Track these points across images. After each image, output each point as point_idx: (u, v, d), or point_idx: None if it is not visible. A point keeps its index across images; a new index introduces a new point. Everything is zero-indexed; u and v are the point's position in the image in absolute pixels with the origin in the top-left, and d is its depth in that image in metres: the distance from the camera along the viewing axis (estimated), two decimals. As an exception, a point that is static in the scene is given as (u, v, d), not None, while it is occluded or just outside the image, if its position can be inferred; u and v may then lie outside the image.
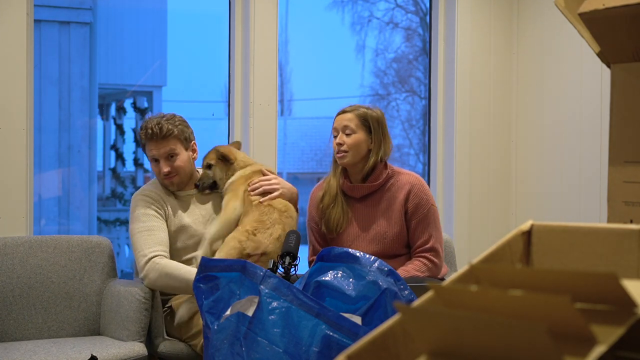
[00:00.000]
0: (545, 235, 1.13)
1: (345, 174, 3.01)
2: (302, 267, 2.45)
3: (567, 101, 3.94)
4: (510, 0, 4.30)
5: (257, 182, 2.97)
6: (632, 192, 1.59)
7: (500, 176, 4.28)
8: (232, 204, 2.94)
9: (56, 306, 3.01)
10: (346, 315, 1.94)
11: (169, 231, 2.94)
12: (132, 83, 6.60)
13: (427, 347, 0.85)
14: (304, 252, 2.60)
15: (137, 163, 6.42)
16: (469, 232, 4.19)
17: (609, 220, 1.63)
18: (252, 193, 2.94)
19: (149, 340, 2.87)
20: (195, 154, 3.06)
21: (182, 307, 2.88)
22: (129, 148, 6.45)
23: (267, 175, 3.03)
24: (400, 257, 2.95)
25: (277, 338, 1.85)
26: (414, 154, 6.30)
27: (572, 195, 3.90)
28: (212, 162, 3.04)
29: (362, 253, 2.12)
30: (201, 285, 2.04)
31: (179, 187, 3.01)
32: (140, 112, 6.52)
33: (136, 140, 6.36)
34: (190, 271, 2.72)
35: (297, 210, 3.02)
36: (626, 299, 0.84)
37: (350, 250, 2.14)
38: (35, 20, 3.44)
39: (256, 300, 1.92)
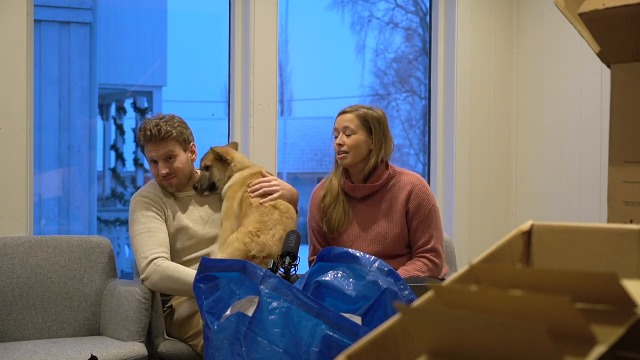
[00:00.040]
0: (545, 235, 1.13)
1: (347, 174, 3.01)
2: (302, 267, 2.45)
3: (567, 101, 3.94)
4: (510, 0, 4.30)
5: (257, 183, 2.97)
6: (632, 192, 1.59)
7: (500, 176, 4.28)
8: (227, 224, 2.94)
9: (56, 306, 3.01)
10: (346, 315, 1.94)
11: (168, 232, 2.94)
12: (132, 83, 6.60)
13: (427, 347, 0.85)
14: (304, 252, 2.60)
15: (137, 163, 6.42)
16: (469, 232, 4.19)
17: (609, 220, 1.63)
18: (252, 195, 2.94)
19: (149, 340, 2.87)
20: (194, 155, 3.06)
21: (184, 304, 2.88)
22: (129, 148, 6.45)
23: (266, 176, 3.03)
24: (401, 257, 2.95)
25: (277, 338, 1.85)
26: (414, 154, 6.30)
27: (572, 195, 3.90)
28: (210, 163, 3.04)
29: (362, 253, 2.12)
30: (201, 285, 2.04)
31: (177, 188, 3.01)
32: (140, 112, 6.52)
33: (136, 141, 6.35)
34: (192, 274, 2.72)
35: (296, 211, 3.02)
36: (626, 299, 0.84)
37: (350, 250, 2.14)
38: (35, 20, 3.44)
39: (256, 300, 1.92)
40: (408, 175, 2.99)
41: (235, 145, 3.22)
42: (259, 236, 2.82)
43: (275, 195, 2.94)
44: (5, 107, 3.28)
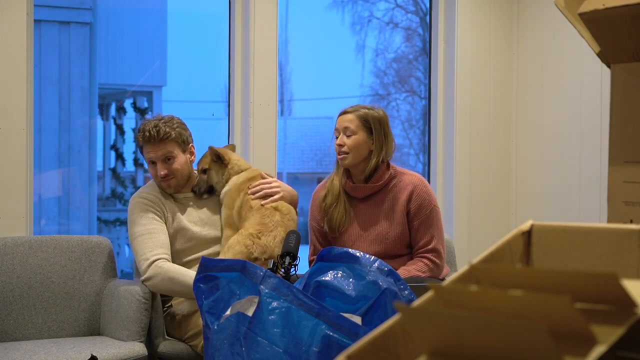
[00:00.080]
0: (545, 235, 1.13)
1: (348, 174, 3.01)
2: (302, 267, 2.45)
3: (567, 101, 3.94)
4: (510, 0, 4.30)
5: (258, 185, 2.97)
6: (632, 192, 1.59)
7: (500, 176, 4.28)
8: (229, 232, 2.94)
9: (56, 306, 3.01)
10: (346, 315, 1.94)
11: (167, 233, 2.94)
12: (132, 83, 6.60)
13: (427, 347, 0.85)
14: (304, 252, 2.60)
15: (137, 163, 6.42)
16: (469, 232, 4.19)
17: (609, 220, 1.63)
18: (253, 197, 2.94)
19: (149, 340, 2.87)
20: (193, 157, 3.05)
21: (185, 302, 2.88)
22: (129, 148, 6.45)
23: (266, 178, 3.03)
24: (402, 258, 2.95)
25: (277, 338, 1.85)
26: (414, 154, 6.29)
27: (572, 195, 3.90)
28: (207, 166, 3.03)
29: (362, 253, 2.12)
30: (201, 285, 2.04)
31: (176, 189, 3.01)
32: (140, 112, 6.52)
33: (135, 141, 6.34)
34: (193, 275, 2.72)
35: (296, 212, 3.02)
36: (626, 299, 0.84)
37: (350, 250, 2.14)
38: (35, 20, 3.44)
39: (256, 300, 1.92)
40: (409, 176, 2.99)
41: (232, 147, 3.21)
42: (260, 238, 2.82)
43: (276, 196, 2.94)
44: (5, 107, 3.28)
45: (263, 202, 2.92)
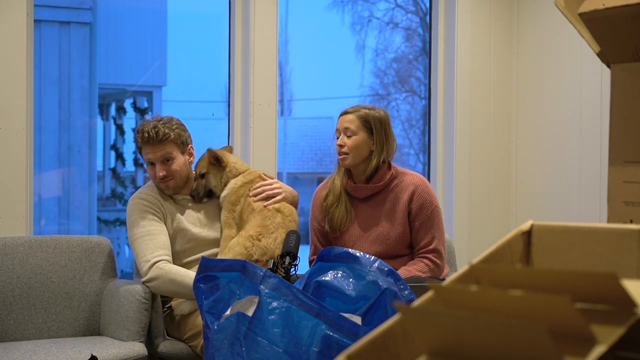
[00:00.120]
0: (545, 235, 1.13)
1: (349, 174, 3.01)
2: (303, 267, 2.45)
3: (567, 101, 3.94)
4: (510, 0, 4.30)
5: (259, 187, 2.96)
6: (632, 192, 1.59)
7: (500, 176, 4.28)
8: (228, 233, 2.93)
9: (56, 306, 3.01)
10: (346, 315, 1.94)
11: (167, 234, 2.93)
12: (132, 83, 6.60)
13: (427, 347, 0.85)
14: (304, 252, 2.60)
15: (137, 163, 6.42)
16: (469, 232, 4.19)
17: (609, 220, 1.63)
18: (255, 199, 2.93)
19: (149, 340, 2.87)
20: (191, 158, 3.04)
21: (186, 302, 2.88)
22: (129, 148, 6.45)
23: (266, 179, 3.02)
24: (403, 258, 2.95)
25: (277, 338, 1.85)
26: (414, 154, 6.29)
27: (572, 195, 3.90)
28: (204, 170, 3.01)
29: (362, 253, 2.12)
30: (201, 285, 2.04)
31: (174, 190, 3.00)
32: (140, 112, 6.52)
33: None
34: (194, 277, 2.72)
35: (297, 212, 3.02)
36: (626, 299, 0.84)
37: (350, 250, 2.14)
38: (35, 20, 3.44)
39: (256, 300, 1.92)
40: (411, 176, 2.99)
41: (230, 149, 3.19)
42: (260, 240, 2.82)
43: (278, 197, 2.94)
44: (5, 107, 3.28)
45: (265, 203, 2.91)
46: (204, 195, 3.02)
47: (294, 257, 2.38)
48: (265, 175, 3.06)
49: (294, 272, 2.38)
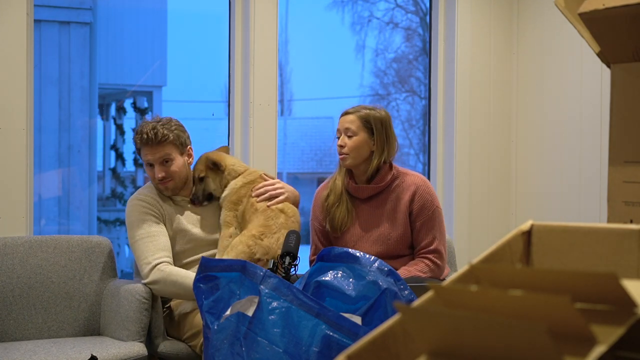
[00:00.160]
0: (545, 235, 1.13)
1: (351, 174, 3.01)
2: (303, 267, 2.45)
3: (567, 101, 3.94)
4: (510, 0, 4.30)
5: (262, 187, 2.96)
6: (632, 192, 1.59)
7: (500, 176, 4.28)
8: (226, 232, 2.93)
9: (56, 306, 3.01)
10: (346, 315, 1.94)
11: (167, 235, 2.93)
12: (132, 83, 6.60)
13: (427, 347, 0.85)
14: (304, 252, 2.60)
15: (137, 163, 6.42)
16: (469, 232, 4.19)
17: (609, 220, 1.63)
18: (257, 199, 2.93)
19: (149, 340, 2.87)
20: (190, 159, 3.03)
21: (187, 302, 2.88)
22: (129, 148, 6.44)
23: (267, 179, 3.02)
24: (404, 258, 2.95)
25: (277, 338, 1.85)
26: (414, 154, 6.29)
27: (572, 195, 3.90)
28: (203, 174, 3.00)
29: (362, 253, 2.12)
30: (201, 285, 2.04)
31: (173, 192, 3.00)
32: (140, 112, 6.52)
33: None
34: None
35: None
36: (626, 299, 0.84)
37: (350, 250, 2.14)
38: (35, 20, 3.44)
39: (256, 300, 1.92)
40: (412, 176, 2.99)
41: (226, 149, 3.17)
42: (262, 240, 2.82)
43: (280, 197, 2.94)
44: (5, 107, 3.28)
45: (268, 203, 2.91)
46: (204, 199, 3.02)
47: (294, 257, 2.38)
48: (266, 175, 3.06)
49: (294, 272, 2.38)
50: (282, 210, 2.91)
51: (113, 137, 6.45)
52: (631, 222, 1.58)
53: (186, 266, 2.93)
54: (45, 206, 5.72)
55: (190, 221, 2.98)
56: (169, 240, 2.91)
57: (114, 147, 6.43)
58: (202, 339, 2.42)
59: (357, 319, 1.99)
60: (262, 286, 1.92)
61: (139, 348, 2.76)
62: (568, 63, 3.93)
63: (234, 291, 2.00)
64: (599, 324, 0.81)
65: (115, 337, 2.89)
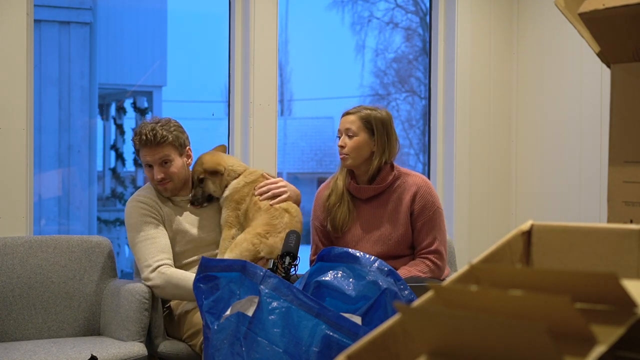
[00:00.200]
0: (545, 235, 1.13)
1: (352, 174, 3.00)
2: (303, 267, 2.45)
3: (567, 101, 3.95)
4: (510, 0, 4.30)
5: (264, 185, 2.96)
6: (632, 192, 1.59)
7: (500, 176, 4.28)
8: (228, 233, 2.93)
9: (56, 306, 3.01)
10: (346, 315, 1.94)
11: (167, 236, 2.93)
12: (132, 83, 6.60)
13: (427, 347, 0.85)
14: (304, 252, 2.60)
15: (137, 163, 6.42)
16: (469, 232, 4.19)
17: (609, 220, 1.63)
18: (260, 197, 2.93)
19: (149, 340, 2.87)
20: (189, 160, 3.03)
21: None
22: (129, 148, 6.44)
23: (269, 178, 3.02)
24: (404, 258, 2.95)
25: (277, 338, 1.85)
26: (414, 154, 6.29)
27: (572, 195, 3.90)
28: (202, 176, 2.99)
29: (362, 253, 2.12)
30: (201, 285, 2.04)
31: (172, 192, 2.99)
32: (140, 112, 6.52)
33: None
34: None
35: None
36: (626, 299, 0.84)
37: (350, 250, 2.14)
38: (35, 20, 3.44)
39: (256, 300, 1.92)
40: (413, 177, 2.98)
41: (223, 148, 3.16)
42: (267, 238, 2.81)
43: (283, 196, 2.93)
44: (5, 107, 3.28)
45: (271, 202, 2.91)
46: (204, 200, 3.01)
47: (294, 257, 2.37)
48: (266, 174, 3.06)
49: (294, 272, 2.38)
50: (286, 210, 2.91)
51: (113, 137, 6.45)
52: (631, 222, 1.58)
53: (186, 267, 2.93)
54: (45, 206, 5.72)
55: (189, 222, 2.98)
56: (169, 242, 2.90)
57: (114, 147, 6.43)
58: (202, 338, 2.42)
59: (357, 319, 1.99)
60: (262, 286, 1.92)
61: (139, 348, 2.76)
62: (568, 63, 3.93)
63: (234, 291, 2.00)
64: (599, 324, 0.81)
65: (115, 337, 2.89)
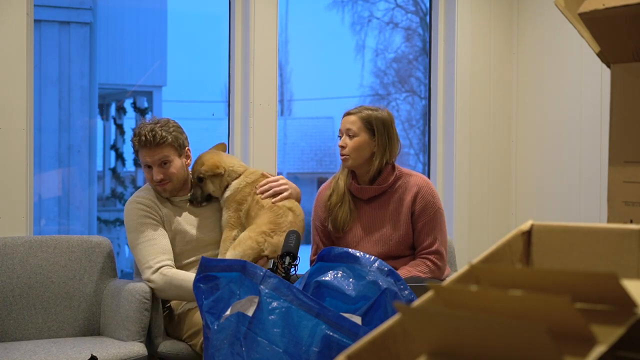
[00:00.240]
0: (545, 235, 1.13)
1: (353, 175, 3.00)
2: (303, 267, 2.45)
3: (567, 101, 3.94)
4: (510, 0, 4.30)
5: (266, 184, 2.96)
6: (632, 192, 1.59)
7: (500, 176, 4.28)
8: (229, 234, 2.92)
9: (56, 306, 3.01)
10: (346, 315, 1.94)
11: (167, 237, 2.93)
12: (132, 83, 6.60)
13: (427, 347, 0.85)
14: (304, 252, 2.60)
15: (137, 163, 6.41)
16: (469, 232, 4.19)
17: (609, 220, 1.63)
18: (262, 196, 2.93)
19: (149, 340, 2.87)
20: (189, 160, 3.02)
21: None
22: (129, 148, 6.43)
23: (269, 177, 3.02)
24: (405, 258, 2.95)
25: (277, 338, 1.85)
26: (414, 154, 6.29)
27: (572, 195, 3.90)
28: (202, 175, 3.00)
29: (362, 253, 2.12)
30: (201, 285, 2.04)
31: (171, 193, 2.99)
32: (140, 112, 6.52)
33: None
34: None
35: None
36: (626, 299, 0.84)
37: (350, 250, 2.14)
38: (35, 20, 3.44)
39: (256, 300, 1.92)
40: (415, 177, 2.98)
41: (223, 147, 3.15)
42: (272, 237, 2.81)
43: (285, 194, 2.93)
44: (5, 107, 3.28)
45: (273, 200, 2.91)
46: (203, 199, 3.01)
47: (294, 257, 2.37)
48: (267, 174, 3.05)
49: (294, 272, 2.38)
50: (290, 209, 2.91)
51: (113, 137, 6.45)
52: (631, 222, 1.58)
53: (185, 267, 2.93)
54: (45, 206, 5.72)
55: (189, 222, 2.98)
56: (169, 242, 2.90)
57: (114, 147, 6.43)
58: (202, 338, 2.42)
59: (357, 319, 1.99)
60: (262, 286, 1.92)
61: (139, 348, 2.76)
62: (568, 63, 3.93)
63: (234, 291, 2.00)
64: (599, 324, 0.81)
65: (115, 337, 2.89)
